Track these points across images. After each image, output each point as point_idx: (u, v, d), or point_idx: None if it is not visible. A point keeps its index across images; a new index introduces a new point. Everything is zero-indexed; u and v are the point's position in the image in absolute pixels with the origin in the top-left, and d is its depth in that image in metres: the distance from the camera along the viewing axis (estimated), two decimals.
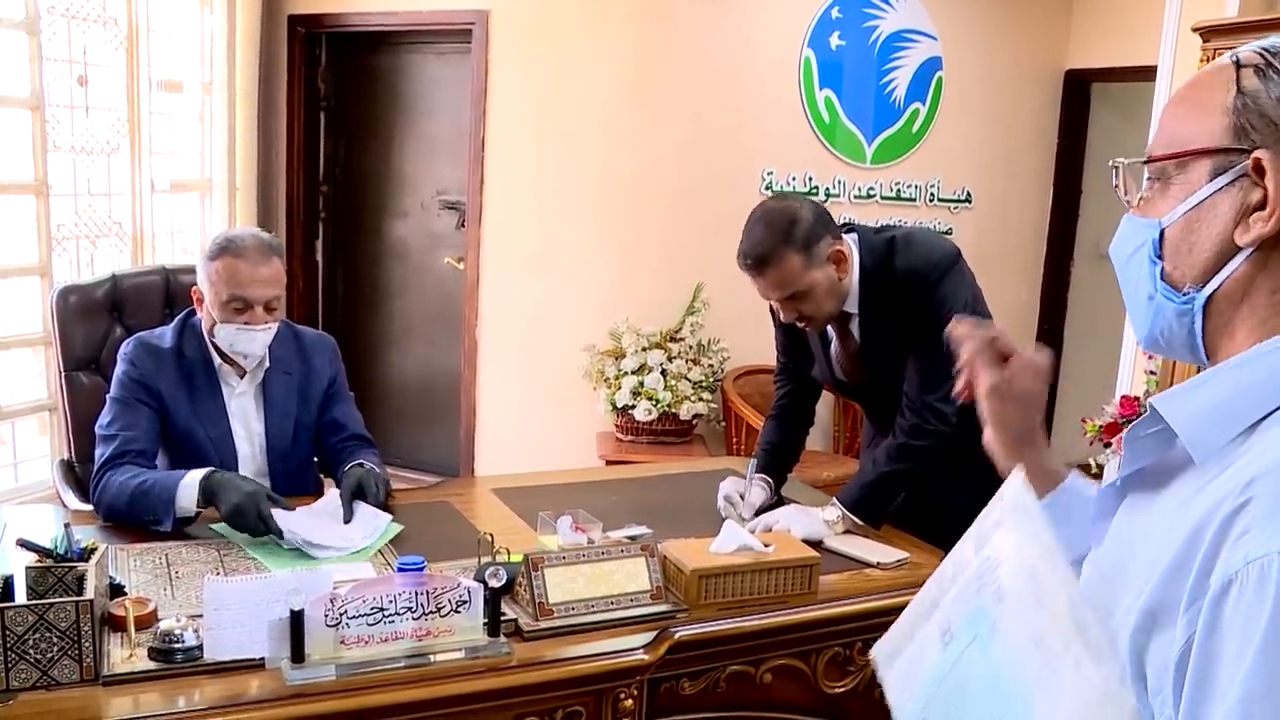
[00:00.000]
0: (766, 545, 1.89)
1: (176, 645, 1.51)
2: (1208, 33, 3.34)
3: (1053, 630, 0.78)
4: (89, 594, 1.50)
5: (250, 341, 2.20)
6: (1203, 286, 0.85)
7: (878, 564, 2.04)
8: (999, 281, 4.02)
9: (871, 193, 4.60)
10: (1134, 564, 0.83)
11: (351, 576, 1.75)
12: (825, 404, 4.02)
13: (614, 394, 4.23)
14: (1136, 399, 3.51)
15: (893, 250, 2.17)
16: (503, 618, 1.63)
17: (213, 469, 2.06)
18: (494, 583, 1.60)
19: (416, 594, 1.57)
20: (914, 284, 2.13)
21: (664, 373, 4.21)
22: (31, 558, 1.59)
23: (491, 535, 1.82)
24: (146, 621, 1.58)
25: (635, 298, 4.38)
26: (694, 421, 4.29)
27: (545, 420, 4.56)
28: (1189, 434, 0.82)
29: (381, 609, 1.55)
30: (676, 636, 1.72)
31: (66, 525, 1.64)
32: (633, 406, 4.19)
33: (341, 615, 1.52)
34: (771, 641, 1.83)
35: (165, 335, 2.27)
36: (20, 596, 1.53)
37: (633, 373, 4.21)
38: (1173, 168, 0.87)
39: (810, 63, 4.40)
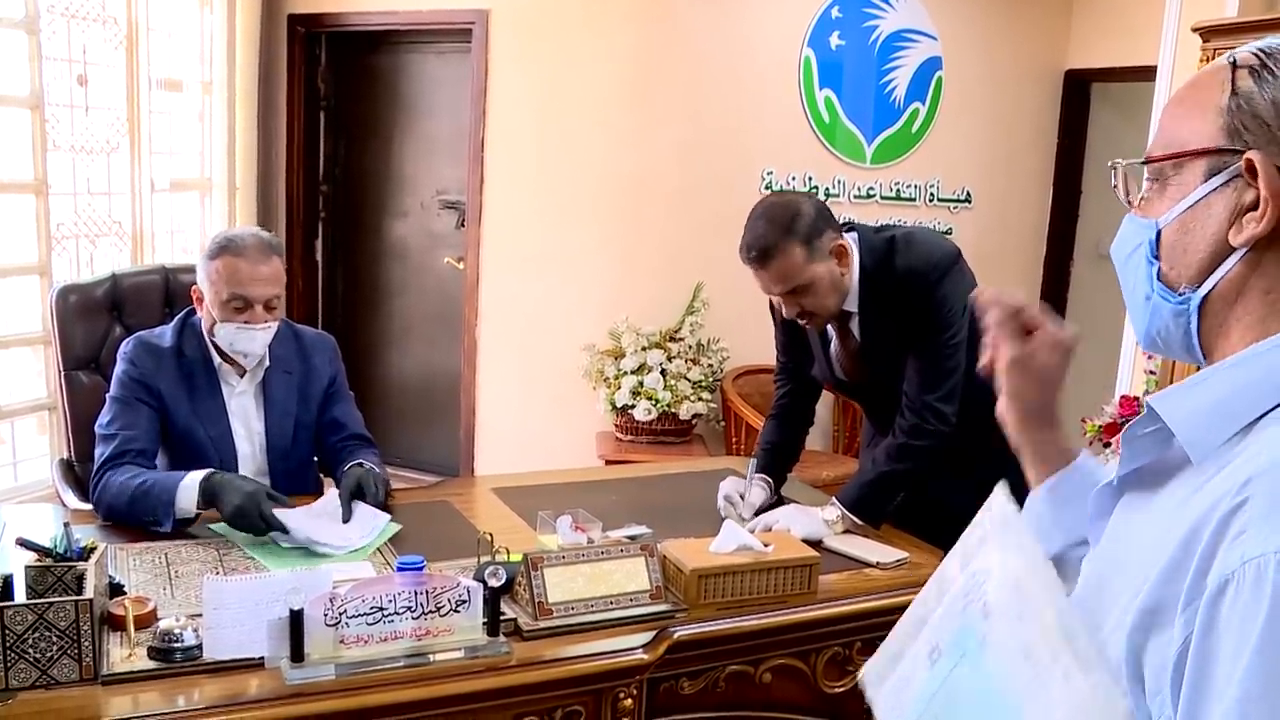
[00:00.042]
0: (766, 545, 1.89)
1: (176, 644, 1.51)
2: (1208, 33, 3.34)
3: (1040, 642, 0.78)
4: (88, 593, 1.50)
5: (250, 340, 2.20)
6: (1198, 287, 0.86)
7: (877, 564, 2.05)
8: (999, 281, 3.99)
9: (871, 193, 4.60)
10: (1131, 564, 0.83)
11: (351, 576, 1.75)
12: (825, 404, 4.02)
13: (614, 394, 4.23)
14: (1136, 399, 3.51)
15: (893, 250, 2.17)
16: (502, 617, 1.63)
17: (212, 470, 2.06)
18: (493, 582, 1.60)
19: (416, 593, 1.57)
20: (914, 283, 2.13)
21: (664, 372, 4.21)
22: (31, 557, 1.59)
23: (491, 535, 1.82)
24: (146, 621, 1.58)
25: (635, 297, 4.38)
26: (693, 421, 4.29)
27: (545, 420, 4.56)
28: (1186, 433, 0.82)
29: (381, 608, 1.55)
30: (676, 636, 1.72)
31: (66, 524, 1.64)
32: (632, 406, 4.20)
33: (341, 615, 1.52)
34: (771, 641, 1.83)
35: (165, 334, 2.27)
36: (20, 596, 1.53)
37: (632, 372, 4.21)
38: (1170, 168, 0.87)
39: (810, 62, 4.40)
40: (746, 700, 1.83)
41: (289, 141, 4.98)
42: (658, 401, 4.16)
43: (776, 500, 2.33)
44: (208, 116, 4.57)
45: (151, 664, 1.50)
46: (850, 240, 2.17)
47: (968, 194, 4.80)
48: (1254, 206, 0.81)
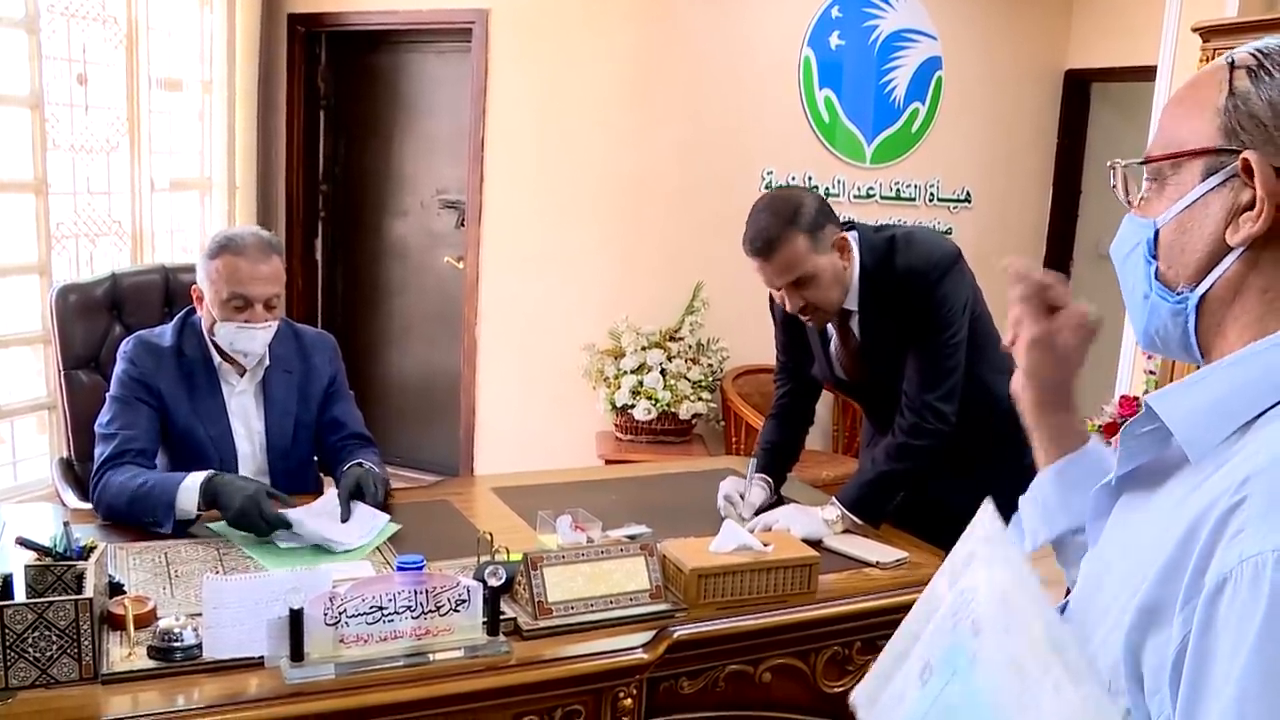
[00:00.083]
0: (766, 545, 1.89)
1: (175, 644, 1.51)
2: (1208, 33, 3.34)
3: (1030, 656, 0.77)
4: (88, 592, 1.50)
5: (250, 340, 2.20)
6: (1196, 286, 0.86)
7: (877, 563, 2.05)
8: (999, 281, 3.98)
9: (871, 192, 4.60)
10: (1129, 563, 0.83)
11: (350, 575, 1.75)
12: (825, 403, 4.02)
13: (613, 393, 4.23)
14: (1136, 399, 3.51)
15: (893, 249, 2.17)
16: (502, 617, 1.63)
17: (213, 471, 2.06)
18: (493, 582, 1.60)
19: (416, 593, 1.57)
20: (914, 283, 2.13)
21: (663, 372, 4.21)
22: (31, 556, 1.59)
23: (491, 534, 1.82)
24: (145, 620, 1.59)
25: (635, 297, 4.39)
26: (693, 421, 4.30)
27: (545, 419, 4.56)
28: (1184, 432, 0.82)
29: (381, 608, 1.55)
30: (675, 636, 1.72)
31: (66, 524, 1.64)
32: (632, 406, 4.20)
33: (341, 614, 1.52)
34: (771, 641, 1.83)
35: (165, 334, 2.27)
36: (19, 595, 1.53)
37: (632, 372, 4.21)
38: (1168, 168, 0.88)
39: (810, 62, 4.41)
40: (746, 700, 1.83)
41: (289, 141, 4.98)
42: (657, 401, 4.16)
43: (776, 500, 2.33)
44: (208, 116, 4.58)
45: (151, 663, 1.50)
46: (851, 238, 2.17)
47: (967, 194, 4.80)
48: (1250, 206, 0.81)
